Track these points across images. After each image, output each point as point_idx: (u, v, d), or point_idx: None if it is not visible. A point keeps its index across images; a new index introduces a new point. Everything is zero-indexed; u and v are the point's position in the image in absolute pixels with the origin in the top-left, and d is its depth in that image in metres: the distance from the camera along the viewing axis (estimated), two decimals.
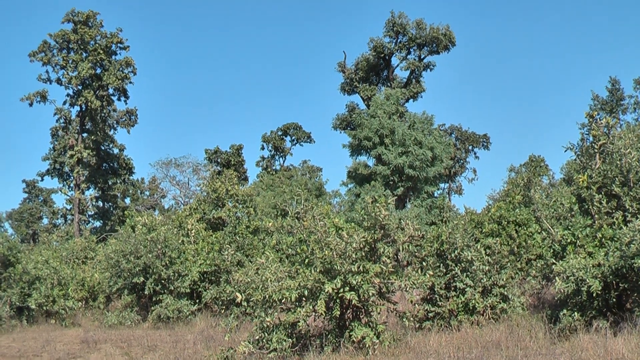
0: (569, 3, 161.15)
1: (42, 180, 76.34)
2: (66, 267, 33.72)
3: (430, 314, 19.81)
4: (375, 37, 66.81)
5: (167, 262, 27.68)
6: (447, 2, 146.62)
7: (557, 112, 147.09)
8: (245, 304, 17.40)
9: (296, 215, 18.83)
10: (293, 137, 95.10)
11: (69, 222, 77.26)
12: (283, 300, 16.44)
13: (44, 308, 29.38)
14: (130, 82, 68.95)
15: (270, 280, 16.49)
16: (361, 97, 67.72)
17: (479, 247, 20.02)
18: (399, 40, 66.91)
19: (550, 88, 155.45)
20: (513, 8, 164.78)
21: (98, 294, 33.42)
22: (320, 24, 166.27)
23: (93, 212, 74.06)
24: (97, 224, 74.96)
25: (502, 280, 19.80)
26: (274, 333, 16.57)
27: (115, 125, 72.50)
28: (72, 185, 70.30)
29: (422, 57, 67.64)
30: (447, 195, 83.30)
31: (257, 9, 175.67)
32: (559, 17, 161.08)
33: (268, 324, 16.62)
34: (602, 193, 18.44)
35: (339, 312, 17.02)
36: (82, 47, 66.12)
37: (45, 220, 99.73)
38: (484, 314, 19.31)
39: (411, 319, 18.27)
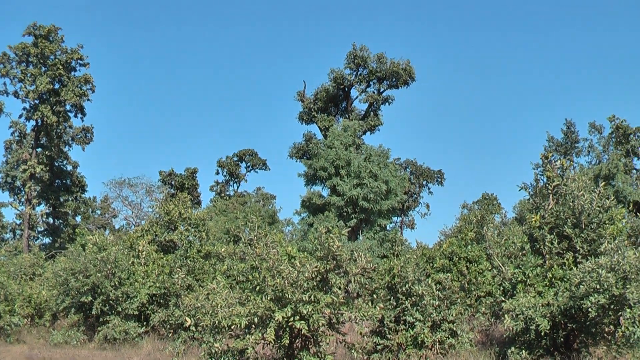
0: (527, 45, 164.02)
1: None
2: (13, 283, 33.20)
3: (379, 347, 19.79)
4: (336, 68, 67.07)
5: (116, 283, 27.34)
6: (408, 38, 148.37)
7: (511, 151, 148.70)
8: (193, 328, 17.25)
9: (249, 241, 18.75)
10: (248, 164, 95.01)
11: (18, 237, 76.05)
12: (232, 327, 16.33)
13: None
14: (88, 99, 68.42)
15: (221, 306, 16.37)
16: (319, 127, 67.73)
17: (429, 281, 20.10)
18: (359, 73, 67.16)
19: (506, 128, 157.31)
20: (473, 47, 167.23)
21: (45, 311, 32.90)
22: (282, 52, 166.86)
23: (43, 229, 73.10)
24: (47, 240, 73.90)
25: (452, 315, 19.87)
26: (222, 359, 16.43)
27: (70, 142, 71.83)
28: (23, 200, 69.28)
29: (381, 91, 68.01)
30: (400, 229, 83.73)
31: (219, 33, 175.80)
32: (517, 58, 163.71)
33: (216, 349, 16.48)
34: (554, 234, 18.65)
35: (288, 341, 16.95)
36: (41, 61, 65.48)
37: None
38: (433, 349, 19.35)
39: (360, 351, 18.25)
